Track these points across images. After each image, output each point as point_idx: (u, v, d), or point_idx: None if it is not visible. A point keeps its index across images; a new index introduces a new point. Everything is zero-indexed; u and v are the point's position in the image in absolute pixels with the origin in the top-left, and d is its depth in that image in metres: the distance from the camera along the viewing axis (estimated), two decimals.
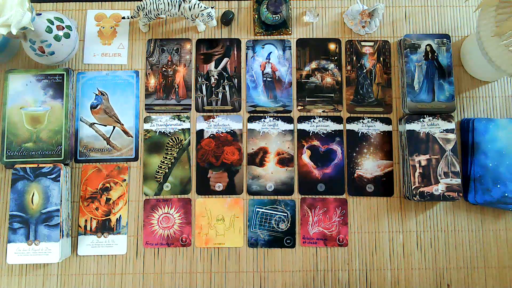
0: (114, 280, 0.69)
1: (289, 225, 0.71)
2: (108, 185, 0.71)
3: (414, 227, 0.71)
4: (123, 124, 0.73)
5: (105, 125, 0.73)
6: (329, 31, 0.77)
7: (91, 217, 0.70)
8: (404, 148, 0.71)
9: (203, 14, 0.69)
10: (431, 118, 0.70)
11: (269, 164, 0.72)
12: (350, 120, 0.74)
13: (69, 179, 0.70)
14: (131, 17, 0.73)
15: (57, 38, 0.67)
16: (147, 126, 0.73)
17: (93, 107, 0.73)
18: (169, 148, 0.73)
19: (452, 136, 0.70)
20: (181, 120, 0.74)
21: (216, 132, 0.73)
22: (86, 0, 0.77)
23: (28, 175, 0.66)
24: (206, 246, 0.70)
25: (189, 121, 0.74)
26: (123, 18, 0.75)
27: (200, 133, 0.73)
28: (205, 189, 0.72)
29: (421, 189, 0.68)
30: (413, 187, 0.68)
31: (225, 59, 0.76)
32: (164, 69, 0.75)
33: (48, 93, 0.71)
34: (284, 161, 0.73)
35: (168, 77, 0.75)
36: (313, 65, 0.76)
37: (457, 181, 0.68)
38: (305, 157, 0.73)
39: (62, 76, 0.71)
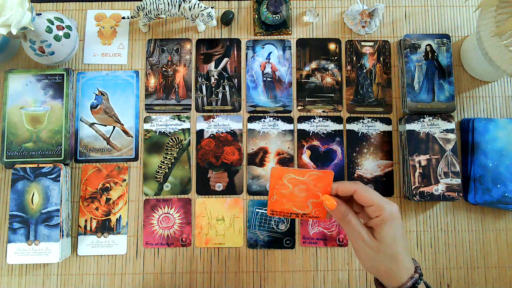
0: (114, 280, 0.69)
1: (288, 226, 0.71)
2: (108, 185, 0.71)
3: (414, 227, 0.71)
4: (123, 124, 0.73)
5: (105, 125, 0.73)
6: (329, 31, 0.77)
7: (91, 217, 0.70)
8: (404, 148, 0.71)
9: (203, 14, 0.69)
10: (431, 118, 0.70)
11: (269, 164, 0.72)
12: (350, 120, 0.74)
13: (69, 179, 0.70)
14: (131, 17, 0.73)
15: (57, 38, 0.67)
16: (147, 126, 0.73)
17: (93, 107, 0.73)
18: (169, 148, 0.73)
19: (452, 136, 0.70)
20: (181, 120, 0.74)
21: (216, 132, 0.73)
22: (86, 0, 0.77)
23: (28, 175, 0.66)
24: (206, 246, 0.70)
25: (189, 121, 0.74)
26: (123, 18, 0.75)
27: (200, 133, 0.73)
28: (205, 189, 0.72)
29: (421, 189, 0.68)
30: (413, 187, 0.68)
31: (225, 59, 0.76)
32: (164, 69, 0.75)
33: (48, 93, 0.71)
34: (284, 161, 0.73)
35: (168, 77, 0.75)
36: (313, 65, 0.76)
37: (457, 181, 0.68)
38: (305, 157, 0.73)
39: (62, 76, 0.71)
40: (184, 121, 0.73)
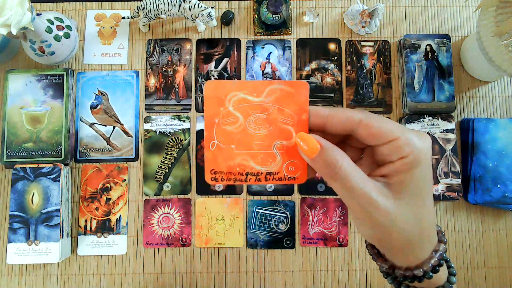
0: (114, 280, 0.69)
1: (288, 226, 0.71)
2: (108, 185, 0.71)
3: None
4: (123, 124, 0.73)
5: (105, 125, 0.73)
6: (329, 31, 0.77)
7: (91, 217, 0.70)
8: None
9: (203, 14, 0.69)
10: (431, 118, 0.70)
11: None
12: None
13: (69, 179, 0.70)
14: (131, 17, 0.73)
15: (57, 38, 0.67)
16: (147, 126, 0.73)
17: (93, 107, 0.73)
18: (169, 148, 0.73)
19: (452, 136, 0.70)
20: (181, 120, 0.74)
21: None
22: (86, 0, 0.77)
23: (28, 175, 0.66)
24: (206, 246, 0.70)
25: (189, 121, 0.74)
26: (123, 18, 0.75)
27: (200, 133, 0.73)
28: (205, 189, 0.72)
29: None
30: None
31: (225, 59, 0.76)
32: (164, 69, 0.75)
33: (48, 93, 0.71)
34: None
35: (168, 77, 0.75)
36: (313, 65, 0.76)
37: (457, 181, 0.68)
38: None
39: (62, 76, 0.71)
40: (184, 121, 0.73)
